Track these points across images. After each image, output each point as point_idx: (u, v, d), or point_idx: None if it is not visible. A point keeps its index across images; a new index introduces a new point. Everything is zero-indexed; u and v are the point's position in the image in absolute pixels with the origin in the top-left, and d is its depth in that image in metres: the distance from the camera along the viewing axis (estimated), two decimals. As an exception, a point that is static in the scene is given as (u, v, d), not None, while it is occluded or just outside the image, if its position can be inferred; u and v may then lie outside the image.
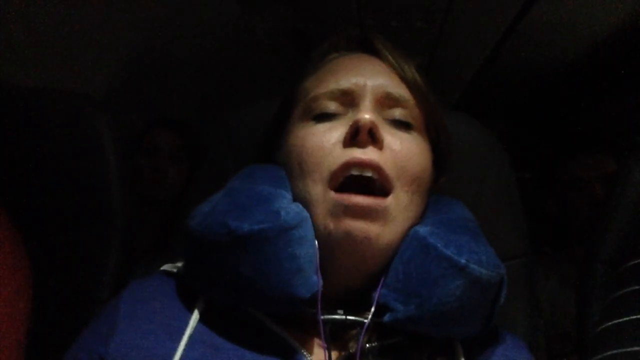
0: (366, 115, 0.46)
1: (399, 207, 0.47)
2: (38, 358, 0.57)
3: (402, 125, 0.50)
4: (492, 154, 0.69)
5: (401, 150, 0.48)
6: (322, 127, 0.49)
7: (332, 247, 0.46)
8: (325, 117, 0.50)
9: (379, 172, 0.46)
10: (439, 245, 0.45)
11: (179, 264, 0.52)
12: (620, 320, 0.53)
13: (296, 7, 1.26)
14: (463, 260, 0.44)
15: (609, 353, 0.51)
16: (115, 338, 0.44)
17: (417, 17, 1.23)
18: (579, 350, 0.62)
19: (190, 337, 0.44)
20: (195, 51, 1.34)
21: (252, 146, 0.66)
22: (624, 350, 0.50)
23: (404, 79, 0.53)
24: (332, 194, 0.46)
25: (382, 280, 0.47)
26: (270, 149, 0.56)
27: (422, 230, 0.47)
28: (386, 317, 0.45)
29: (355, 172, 0.46)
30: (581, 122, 1.68)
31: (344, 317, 0.46)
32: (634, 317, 0.52)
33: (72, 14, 0.91)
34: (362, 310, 0.46)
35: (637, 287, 0.55)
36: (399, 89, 0.51)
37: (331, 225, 0.45)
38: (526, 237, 0.68)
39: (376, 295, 0.46)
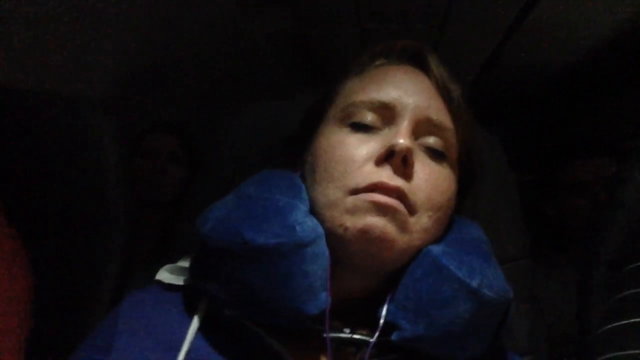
0: (402, 140, 0.45)
1: (419, 227, 0.46)
2: (37, 360, 0.57)
3: (435, 154, 0.49)
4: (492, 156, 0.69)
5: (428, 180, 0.47)
6: (356, 138, 0.48)
7: (345, 246, 0.45)
8: (361, 127, 0.49)
9: (403, 198, 0.45)
10: (451, 266, 0.45)
11: (181, 264, 0.52)
12: (622, 322, 0.53)
13: (295, 10, 1.26)
14: (475, 284, 0.44)
15: (610, 355, 0.51)
16: (113, 355, 0.43)
17: (416, 20, 1.24)
18: (580, 352, 0.61)
19: (188, 354, 0.44)
20: (195, 53, 1.35)
21: (253, 147, 0.66)
22: (625, 352, 0.50)
23: (448, 104, 0.51)
24: (352, 196, 0.45)
25: (388, 297, 0.46)
26: (298, 142, 0.55)
27: (435, 249, 0.47)
28: (393, 336, 0.44)
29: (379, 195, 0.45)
30: (582, 124, 1.68)
31: (349, 335, 0.45)
32: (636, 319, 0.52)
33: (72, 16, 0.91)
34: (366, 326, 0.46)
35: (639, 290, 0.55)
36: (441, 116, 0.50)
37: (348, 222, 0.44)
38: (526, 239, 0.68)
39: (383, 312, 0.45)
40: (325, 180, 0.47)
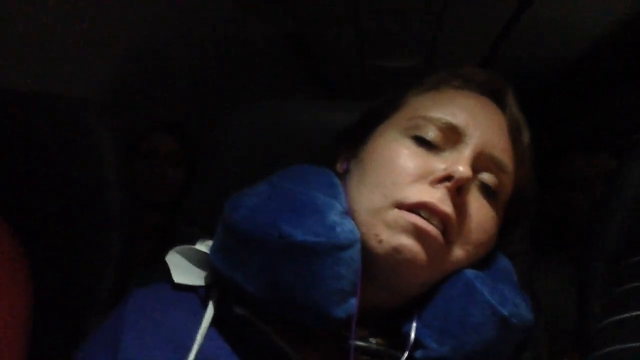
0: (462, 167, 0.44)
1: (452, 259, 0.46)
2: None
3: (487, 191, 0.48)
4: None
5: (475, 216, 0.47)
6: (415, 152, 0.47)
7: (374, 258, 0.44)
8: (423, 142, 0.48)
9: (445, 225, 0.45)
10: (485, 291, 0.45)
11: (198, 247, 0.51)
12: (623, 316, 0.53)
13: (293, 10, 1.26)
14: (506, 312, 0.44)
15: (611, 349, 0.51)
16: (120, 353, 0.43)
17: (413, 19, 1.24)
18: (580, 348, 0.61)
19: (197, 354, 0.43)
20: (193, 53, 1.35)
21: (252, 147, 0.66)
22: (626, 346, 0.50)
23: (515, 147, 0.51)
24: (396, 210, 0.45)
25: (416, 314, 0.46)
26: (350, 138, 0.55)
27: (469, 272, 0.47)
28: (418, 354, 0.44)
29: (423, 215, 0.44)
30: (581, 120, 1.68)
31: (375, 346, 0.45)
32: (636, 313, 0.52)
33: (70, 16, 0.91)
34: (383, 336, 0.46)
35: (639, 284, 0.55)
36: (504, 156, 0.49)
37: (383, 235, 0.44)
38: (526, 234, 0.68)
39: (412, 329, 0.45)
40: (373, 184, 0.47)
